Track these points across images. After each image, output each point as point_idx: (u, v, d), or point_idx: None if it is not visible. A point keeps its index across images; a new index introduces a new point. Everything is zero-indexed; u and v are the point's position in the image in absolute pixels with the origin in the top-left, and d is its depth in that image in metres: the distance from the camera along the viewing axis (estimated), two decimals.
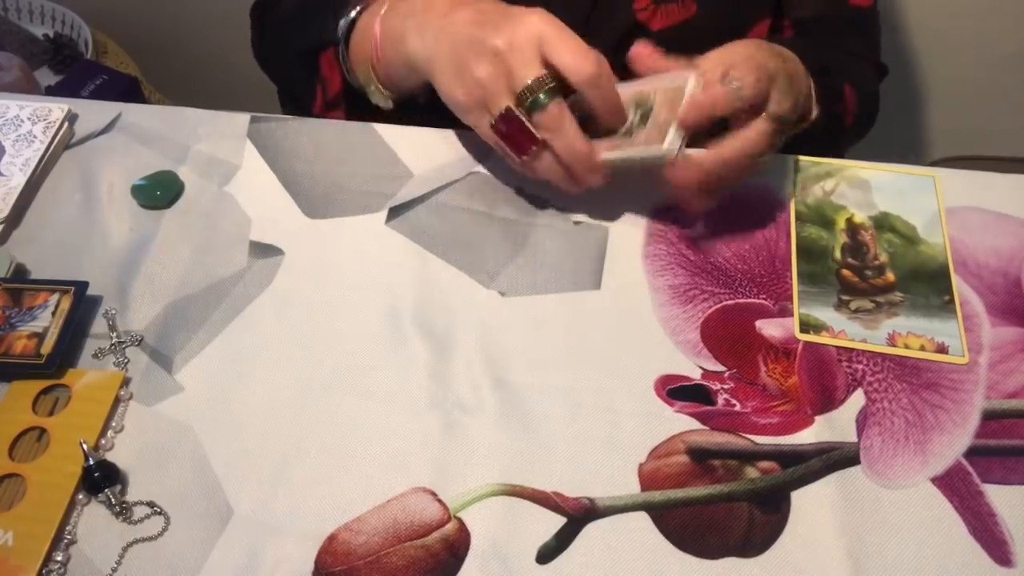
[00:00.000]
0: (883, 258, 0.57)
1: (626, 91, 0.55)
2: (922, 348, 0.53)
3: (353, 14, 0.62)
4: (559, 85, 0.52)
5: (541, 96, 0.51)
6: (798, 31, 0.74)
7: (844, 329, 0.54)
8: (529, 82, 0.51)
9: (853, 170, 0.62)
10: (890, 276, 0.56)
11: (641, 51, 0.56)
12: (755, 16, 0.72)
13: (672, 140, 0.52)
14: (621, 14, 0.69)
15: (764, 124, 0.52)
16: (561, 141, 0.53)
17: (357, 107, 0.66)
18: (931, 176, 0.61)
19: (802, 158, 0.63)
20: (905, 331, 0.54)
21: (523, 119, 0.52)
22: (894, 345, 0.53)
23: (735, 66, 0.52)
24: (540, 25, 0.52)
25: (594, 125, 0.54)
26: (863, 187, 0.61)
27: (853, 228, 0.59)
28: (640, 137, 0.53)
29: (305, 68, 0.67)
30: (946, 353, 0.52)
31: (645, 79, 0.56)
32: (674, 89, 0.53)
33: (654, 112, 0.53)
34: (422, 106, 0.63)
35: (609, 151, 0.54)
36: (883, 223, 0.59)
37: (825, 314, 0.54)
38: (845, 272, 0.57)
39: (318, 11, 0.65)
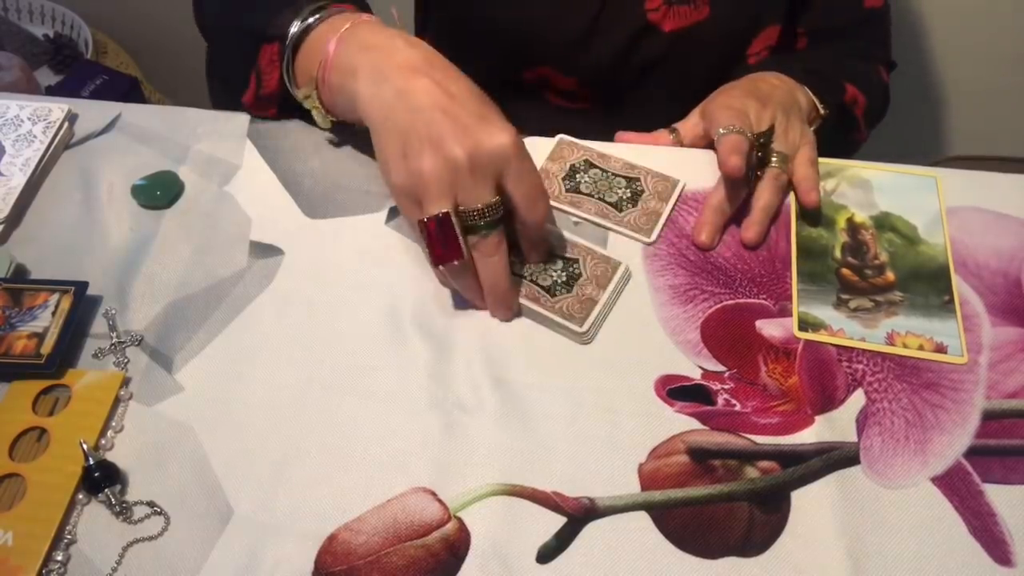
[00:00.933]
0: (883, 257, 0.57)
1: (618, 160, 0.61)
2: (921, 348, 0.53)
3: (311, 20, 0.56)
4: (504, 214, 0.50)
5: (484, 223, 0.49)
6: (813, 39, 0.74)
7: (843, 328, 0.54)
8: (479, 207, 0.49)
9: (854, 170, 0.62)
10: (890, 275, 0.56)
11: (631, 138, 0.64)
12: (767, 21, 0.72)
13: (593, 323, 0.53)
14: (630, 14, 0.69)
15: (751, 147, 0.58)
16: (488, 271, 0.51)
17: (290, 110, 0.62)
18: (932, 176, 0.61)
19: None
20: (904, 330, 0.54)
21: (458, 232, 0.49)
22: (892, 344, 0.53)
23: (713, 120, 0.59)
24: (508, 150, 0.48)
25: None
26: (864, 187, 0.61)
27: (853, 227, 0.59)
28: (627, 219, 0.58)
29: (242, 49, 0.61)
30: (945, 353, 0.52)
31: (634, 147, 0.62)
32: (663, 181, 0.60)
33: (644, 196, 0.59)
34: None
35: (527, 301, 0.53)
36: (884, 223, 0.59)
37: (824, 312, 0.54)
38: (845, 271, 0.56)
39: None
